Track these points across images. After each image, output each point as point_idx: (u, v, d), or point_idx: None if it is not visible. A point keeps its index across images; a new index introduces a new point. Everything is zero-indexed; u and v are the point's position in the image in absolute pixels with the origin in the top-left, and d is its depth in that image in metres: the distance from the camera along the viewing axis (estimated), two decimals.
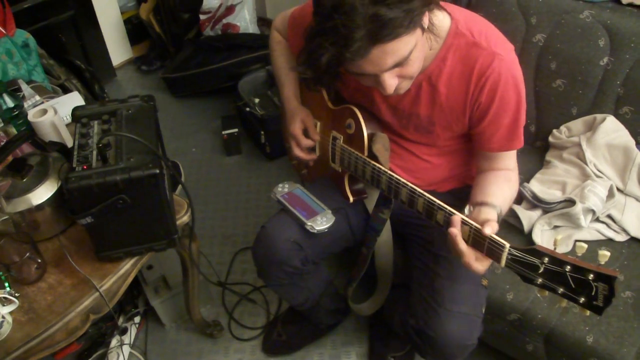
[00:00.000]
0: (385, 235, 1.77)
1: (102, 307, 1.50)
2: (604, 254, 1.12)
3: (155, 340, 2.28)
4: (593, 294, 1.12)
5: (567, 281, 1.15)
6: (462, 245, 1.31)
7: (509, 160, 1.57)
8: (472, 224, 1.30)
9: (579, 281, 1.13)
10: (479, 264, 1.32)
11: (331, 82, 1.45)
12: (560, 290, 1.17)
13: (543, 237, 1.81)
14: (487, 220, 1.29)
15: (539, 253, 1.18)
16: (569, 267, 1.14)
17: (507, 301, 1.74)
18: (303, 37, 1.29)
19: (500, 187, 1.51)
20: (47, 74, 2.48)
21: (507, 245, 1.24)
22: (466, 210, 1.51)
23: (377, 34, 1.15)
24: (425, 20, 1.27)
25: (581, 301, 1.15)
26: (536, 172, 2.05)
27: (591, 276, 1.11)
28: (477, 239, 1.30)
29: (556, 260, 1.16)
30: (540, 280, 1.20)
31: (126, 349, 2.17)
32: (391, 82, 1.30)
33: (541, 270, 1.19)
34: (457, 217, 1.32)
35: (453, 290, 1.55)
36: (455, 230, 1.31)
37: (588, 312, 1.16)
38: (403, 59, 1.24)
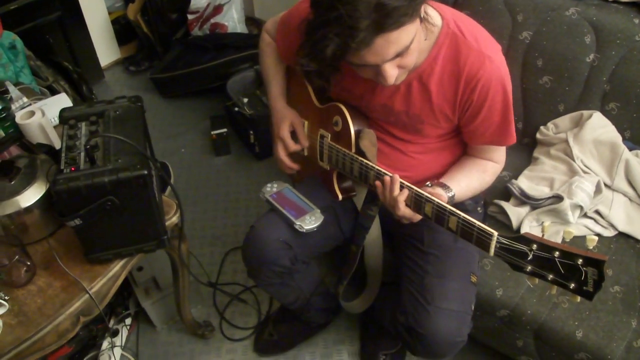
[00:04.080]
0: (375, 232, 1.77)
1: (92, 309, 1.49)
2: (592, 239, 1.13)
3: (147, 342, 2.27)
4: (583, 278, 1.13)
5: (556, 267, 1.16)
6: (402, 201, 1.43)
7: (497, 153, 1.61)
8: (459, 214, 1.33)
9: (568, 266, 1.14)
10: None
11: (331, 75, 1.46)
12: (550, 276, 1.18)
13: None
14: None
15: (528, 240, 1.20)
16: (557, 252, 1.15)
17: (496, 297, 1.75)
18: (295, 32, 1.31)
19: (469, 176, 1.57)
20: (34, 76, 2.46)
21: (496, 233, 1.25)
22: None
23: (381, 23, 1.16)
24: (422, 10, 1.28)
25: (571, 287, 1.16)
26: (524, 168, 2.06)
27: (580, 261, 1.13)
28: (465, 229, 1.32)
29: (545, 246, 1.17)
30: (529, 267, 1.21)
31: (117, 351, 2.17)
32: (392, 72, 1.31)
33: (530, 257, 1.20)
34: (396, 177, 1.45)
35: (442, 287, 1.56)
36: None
37: (579, 299, 1.17)
38: (405, 48, 1.25)
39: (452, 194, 1.49)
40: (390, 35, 1.20)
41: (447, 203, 1.39)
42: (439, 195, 1.42)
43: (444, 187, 1.50)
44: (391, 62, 1.28)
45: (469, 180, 1.56)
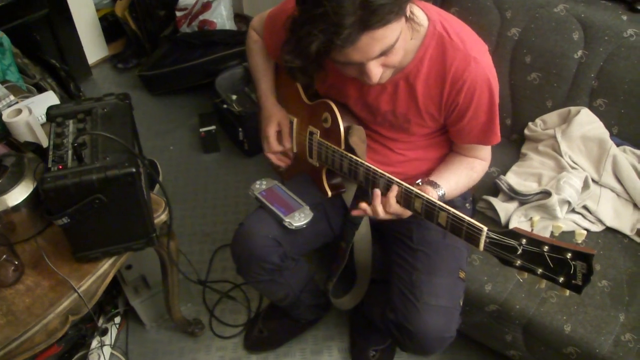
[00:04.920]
0: (364, 229, 1.78)
1: (81, 308, 1.49)
2: (581, 233, 1.14)
3: (136, 340, 2.27)
4: (572, 272, 1.14)
5: (545, 261, 1.17)
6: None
7: (483, 151, 1.62)
8: (448, 210, 1.33)
9: (558, 260, 1.15)
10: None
11: (315, 72, 1.45)
12: (539, 270, 1.19)
13: None
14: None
15: (517, 235, 1.20)
16: (546, 247, 1.16)
17: (485, 293, 1.76)
18: (283, 29, 1.30)
19: (457, 174, 1.58)
20: (21, 74, 2.45)
21: (485, 228, 1.26)
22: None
23: (367, 20, 1.16)
24: (407, 9, 1.28)
25: (560, 280, 1.17)
26: (512, 164, 2.07)
27: (569, 255, 1.13)
28: (455, 225, 1.32)
29: (534, 241, 1.18)
30: (519, 262, 1.21)
31: (107, 350, 2.16)
32: (376, 71, 1.30)
33: (519, 251, 1.20)
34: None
35: (431, 283, 1.57)
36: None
37: (568, 292, 1.18)
38: (389, 47, 1.25)
39: (442, 192, 1.50)
40: (376, 33, 1.19)
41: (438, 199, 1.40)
42: (429, 193, 1.42)
43: (434, 185, 1.50)
44: (375, 60, 1.28)
45: (458, 177, 1.57)
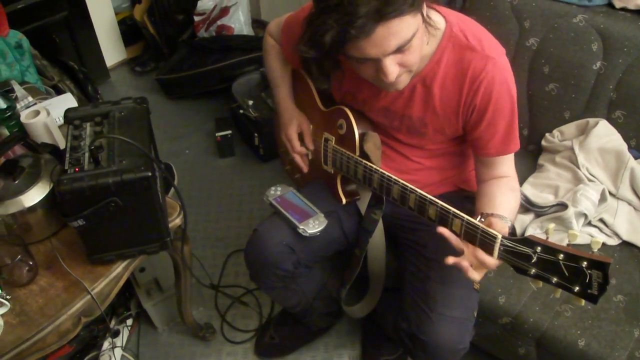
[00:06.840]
0: (378, 237, 1.77)
1: (93, 310, 1.49)
2: (597, 241, 1.12)
3: (148, 343, 2.27)
4: (587, 281, 1.12)
5: (560, 270, 1.15)
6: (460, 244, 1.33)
7: (507, 167, 1.57)
8: (462, 216, 1.31)
9: (573, 269, 1.13)
10: (475, 272, 1.31)
11: (332, 71, 1.44)
12: (554, 279, 1.17)
13: None
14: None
15: (532, 242, 1.18)
16: (562, 255, 1.14)
17: (499, 305, 1.75)
18: (302, 26, 1.30)
19: (506, 197, 1.51)
20: (40, 75, 2.47)
21: (499, 235, 1.24)
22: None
23: (381, 10, 1.16)
24: (424, 11, 1.28)
25: (575, 290, 1.14)
26: (529, 175, 2.06)
27: (585, 264, 1.11)
28: (468, 232, 1.31)
29: (549, 249, 1.16)
30: (533, 270, 1.19)
31: (118, 352, 2.17)
32: (393, 68, 1.29)
33: (534, 260, 1.18)
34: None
35: (445, 294, 1.55)
36: (444, 231, 1.34)
37: (583, 302, 1.16)
38: (405, 42, 1.24)
39: (510, 224, 1.41)
40: (391, 26, 1.19)
41: (508, 233, 1.33)
42: (502, 228, 1.31)
43: (499, 217, 1.40)
44: (392, 57, 1.27)
45: (509, 203, 1.50)
